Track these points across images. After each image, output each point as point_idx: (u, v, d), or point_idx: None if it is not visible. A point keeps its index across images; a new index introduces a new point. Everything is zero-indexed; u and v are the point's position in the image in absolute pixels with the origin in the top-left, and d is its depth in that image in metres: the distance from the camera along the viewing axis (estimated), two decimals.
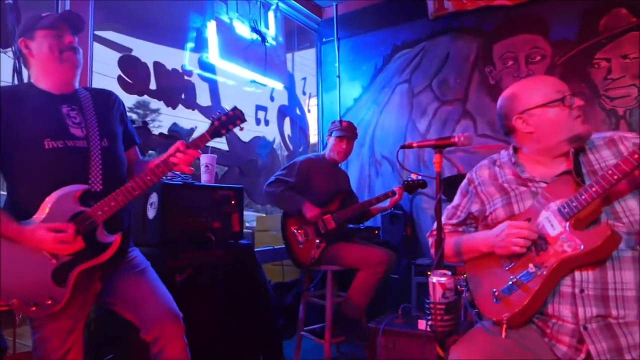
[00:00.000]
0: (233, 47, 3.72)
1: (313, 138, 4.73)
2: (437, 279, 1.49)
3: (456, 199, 1.68)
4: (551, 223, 1.33)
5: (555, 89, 1.42)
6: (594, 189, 1.25)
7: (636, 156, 1.20)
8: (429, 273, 3.22)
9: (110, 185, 1.61)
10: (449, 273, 1.53)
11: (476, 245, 1.51)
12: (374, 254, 2.82)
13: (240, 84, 3.97)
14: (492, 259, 1.46)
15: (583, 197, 1.27)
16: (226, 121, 1.67)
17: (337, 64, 4.56)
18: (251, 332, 2.49)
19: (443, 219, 1.66)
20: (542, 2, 3.47)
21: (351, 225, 3.34)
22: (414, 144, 1.66)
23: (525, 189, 1.46)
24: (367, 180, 4.34)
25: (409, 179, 3.14)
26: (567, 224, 1.28)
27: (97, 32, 2.88)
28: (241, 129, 1.71)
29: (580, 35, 3.32)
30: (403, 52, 4.16)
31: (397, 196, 3.03)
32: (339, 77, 4.55)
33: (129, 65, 3.08)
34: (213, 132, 1.67)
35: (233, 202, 2.55)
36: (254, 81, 3.95)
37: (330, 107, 4.66)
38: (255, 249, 3.37)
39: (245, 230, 3.55)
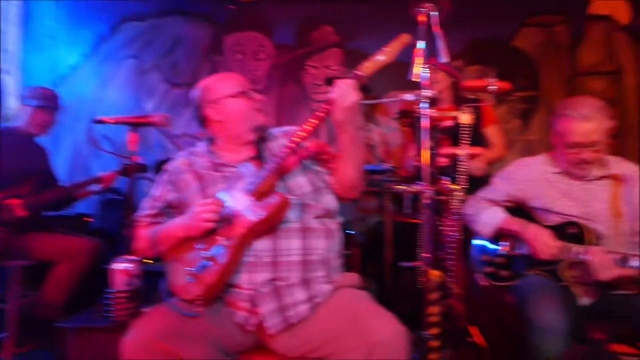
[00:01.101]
0: None
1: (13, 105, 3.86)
2: (121, 266, 1.40)
3: (154, 191, 1.67)
4: (239, 199, 1.44)
5: (239, 84, 1.62)
6: (271, 165, 1.44)
7: (297, 135, 1.43)
8: (149, 261, 3.02)
9: None
10: (136, 259, 1.46)
11: (172, 232, 1.50)
12: (75, 244, 2.50)
13: None
14: (189, 243, 1.47)
15: (264, 173, 1.44)
16: None
17: (50, 22, 3.84)
18: None
19: (140, 212, 1.64)
20: (269, 4, 3.77)
21: (51, 213, 2.87)
22: (109, 120, 1.53)
23: (219, 174, 1.56)
24: (83, 161, 3.84)
25: (128, 162, 2.90)
26: (252, 197, 1.42)
27: None
28: None
29: (296, 42, 3.77)
30: (133, 24, 3.85)
31: (108, 182, 2.76)
32: (51, 37, 3.84)
33: None
34: None
35: None
36: None
37: (38, 71, 3.89)
38: None
39: None
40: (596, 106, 1.75)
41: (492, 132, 2.96)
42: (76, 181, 2.77)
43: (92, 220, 3.46)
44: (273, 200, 1.38)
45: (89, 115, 3.81)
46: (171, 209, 1.63)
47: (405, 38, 1.47)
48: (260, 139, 1.61)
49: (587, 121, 1.72)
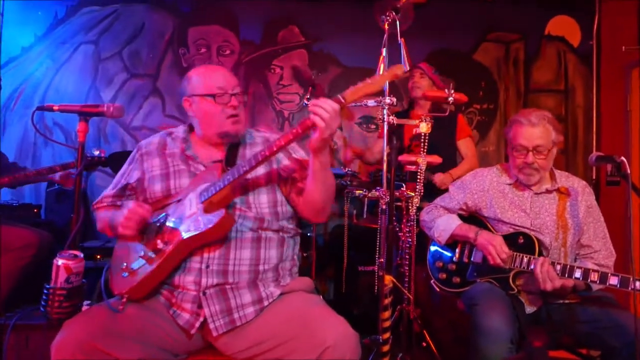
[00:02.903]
0: None
1: None
2: (64, 262, 1.33)
3: (123, 167, 1.61)
4: (191, 204, 1.39)
5: (218, 85, 1.49)
6: (228, 177, 1.36)
7: (262, 154, 1.33)
8: (98, 257, 2.91)
9: None
10: (81, 255, 1.40)
11: (114, 224, 1.48)
12: (18, 235, 2.34)
13: None
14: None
15: (218, 184, 1.37)
16: None
17: None
18: None
19: (106, 191, 1.61)
20: (235, 1, 3.71)
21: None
22: (55, 107, 1.46)
23: (185, 168, 1.51)
24: (31, 149, 3.64)
25: (88, 154, 2.76)
26: (201, 206, 1.36)
27: None
28: None
29: (263, 40, 3.73)
30: (92, 8, 3.68)
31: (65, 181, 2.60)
32: (1, 15, 3.62)
33: None
34: None
35: None
36: None
37: None
38: None
39: None
40: (544, 115, 1.85)
41: (464, 144, 3.04)
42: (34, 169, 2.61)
43: (38, 211, 3.28)
44: (216, 216, 1.32)
45: (40, 101, 3.65)
46: (131, 191, 1.58)
47: (398, 69, 1.32)
48: (235, 143, 1.54)
49: (532, 126, 1.82)
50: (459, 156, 3.05)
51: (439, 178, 2.77)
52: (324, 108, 1.25)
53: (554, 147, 1.86)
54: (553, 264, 1.72)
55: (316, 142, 1.30)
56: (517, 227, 1.88)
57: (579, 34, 3.76)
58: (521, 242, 1.84)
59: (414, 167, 2.37)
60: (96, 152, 2.79)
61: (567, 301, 1.81)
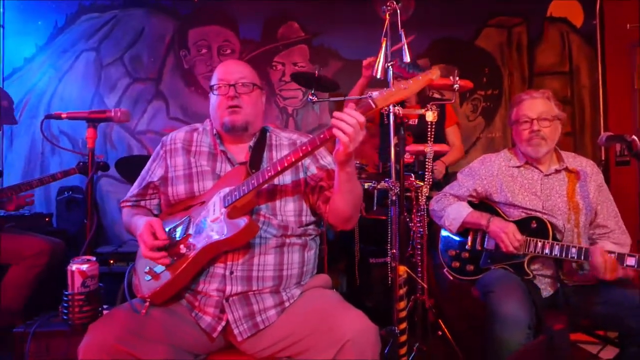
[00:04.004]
0: None
1: None
2: (77, 266, 1.34)
3: (147, 163, 1.59)
4: (215, 207, 1.38)
5: (220, 77, 1.51)
6: (252, 181, 1.33)
7: (288, 159, 1.30)
8: (111, 262, 2.93)
9: None
10: (93, 259, 1.41)
11: (133, 232, 1.47)
12: (30, 244, 2.37)
13: None
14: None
15: (243, 188, 1.34)
16: None
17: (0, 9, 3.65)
18: None
19: (131, 189, 1.58)
20: (233, 0, 3.70)
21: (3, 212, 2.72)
22: (62, 115, 1.47)
23: (209, 169, 1.49)
24: (39, 158, 3.66)
25: (96, 160, 2.77)
26: (225, 210, 1.34)
27: None
28: None
29: (263, 38, 3.72)
30: (91, 15, 3.68)
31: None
32: (2, 27, 3.64)
33: None
34: None
35: None
36: None
37: None
38: None
39: None
40: (544, 91, 1.92)
41: (452, 132, 3.02)
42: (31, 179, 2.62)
43: (49, 220, 3.31)
44: (240, 223, 1.30)
45: (45, 110, 3.67)
46: (154, 190, 1.56)
47: (432, 74, 1.23)
48: (260, 143, 1.52)
49: (534, 99, 1.90)
50: None
51: (435, 168, 2.76)
52: (347, 122, 1.19)
53: (558, 122, 1.89)
54: (568, 247, 1.71)
55: (341, 156, 1.27)
56: (528, 211, 1.87)
57: (582, 14, 3.72)
58: (534, 226, 1.83)
59: (408, 157, 2.38)
60: (95, 157, 2.78)
61: (582, 283, 1.80)
